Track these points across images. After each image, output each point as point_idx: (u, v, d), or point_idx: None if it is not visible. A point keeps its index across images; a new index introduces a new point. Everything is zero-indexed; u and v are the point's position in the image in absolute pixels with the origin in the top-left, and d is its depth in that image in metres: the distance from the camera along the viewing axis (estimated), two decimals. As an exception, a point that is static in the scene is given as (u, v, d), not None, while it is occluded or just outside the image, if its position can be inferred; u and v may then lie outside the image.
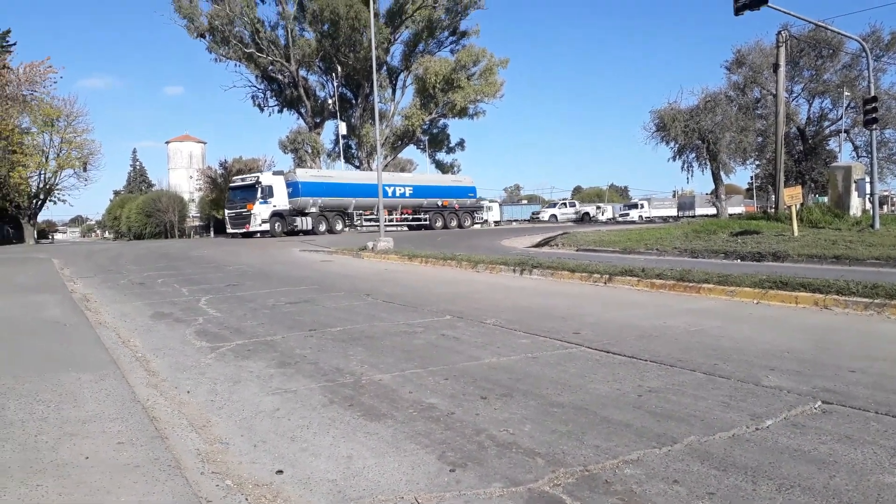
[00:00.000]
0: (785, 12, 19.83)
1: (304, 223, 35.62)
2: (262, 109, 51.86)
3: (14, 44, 50.04)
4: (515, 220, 76.28)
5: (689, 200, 76.05)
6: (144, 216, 49.18)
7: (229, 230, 36.15)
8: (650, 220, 64.67)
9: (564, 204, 66.05)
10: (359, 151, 50.67)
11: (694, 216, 61.56)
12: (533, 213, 64.15)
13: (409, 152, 72.35)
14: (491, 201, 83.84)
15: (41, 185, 46.07)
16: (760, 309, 8.37)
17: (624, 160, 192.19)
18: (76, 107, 45.37)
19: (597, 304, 9.11)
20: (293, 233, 35.41)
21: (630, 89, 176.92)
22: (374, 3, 28.62)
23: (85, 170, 45.91)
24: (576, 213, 63.10)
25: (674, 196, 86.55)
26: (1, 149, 40.21)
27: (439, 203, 41.06)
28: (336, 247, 22.80)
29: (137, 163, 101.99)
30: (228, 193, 36.97)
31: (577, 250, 20.40)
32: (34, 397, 4.72)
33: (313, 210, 35.99)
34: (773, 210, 26.68)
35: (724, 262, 14.60)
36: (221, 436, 4.01)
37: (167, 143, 76.16)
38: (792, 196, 19.35)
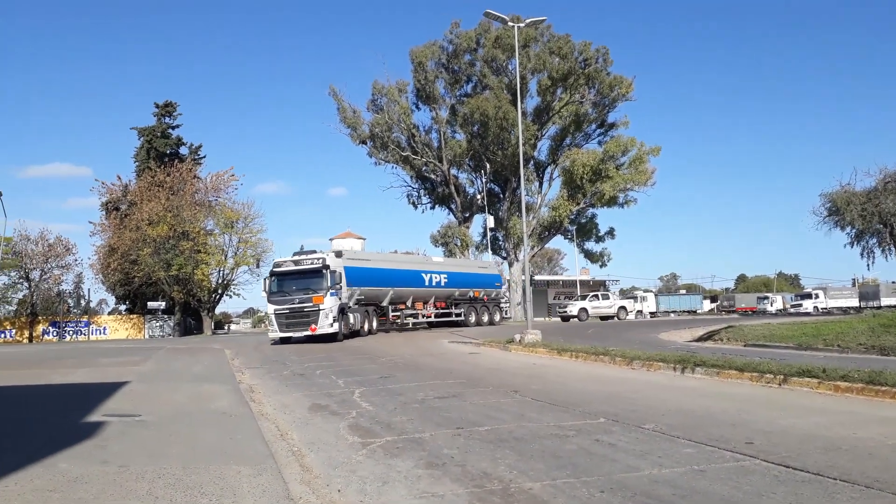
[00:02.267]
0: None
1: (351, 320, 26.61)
2: (415, 207, 54.54)
3: (204, 157, 57.14)
4: (674, 312, 72.73)
5: (873, 289, 68.56)
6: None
7: (277, 333, 25.24)
8: (827, 312, 58.90)
9: (597, 296, 47.73)
10: (506, 243, 51.30)
11: (879, 307, 55.21)
12: (560, 308, 48.65)
13: (557, 242, 72.13)
14: (646, 291, 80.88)
15: (220, 281, 50.87)
16: (978, 420, 7.12)
17: (793, 246, 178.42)
18: (253, 209, 50.17)
19: (771, 410, 8.21)
20: (354, 333, 26.81)
21: (796, 170, 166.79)
22: (521, 102, 29.62)
23: (258, 266, 50.24)
24: (610, 306, 47.15)
25: (854, 285, 78.63)
26: (188, 249, 45.15)
27: (471, 294, 34.96)
28: (484, 338, 22.83)
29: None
30: (272, 281, 25.98)
31: (744, 345, 18.89)
32: (199, 490, 4.95)
33: (353, 303, 27.12)
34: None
35: (922, 362, 12.79)
36: (368, 542, 3.93)
37: (330, 239, 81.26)
38: None
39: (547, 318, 54.37)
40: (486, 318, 35.09)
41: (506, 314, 41.73)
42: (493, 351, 19.75)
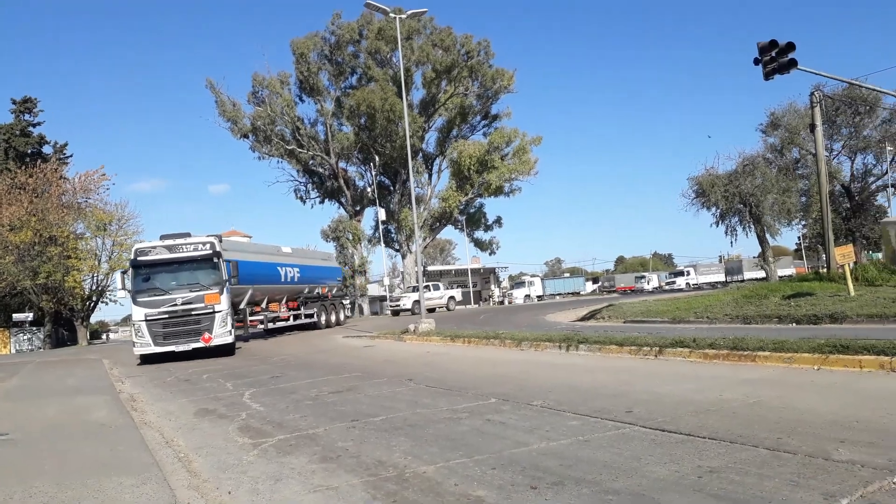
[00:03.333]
0: (816, 73, 19.83)
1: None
2: (304, 202, 53.37)
3: (70, 156, 53.15)
4: (559, 294, 75.58)
5: (737, 265, 74.47)
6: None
7: (151, 347, 17.96)
8: (698, 287, 63.30)
9: (428, 287, 42.60)
10: (398, 235, 51.37)
11: (742, 281, 60.08)
12: (392, 302, 43.38)
13: (448, 232, 73.01)
14: (532, 276, 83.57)
15: (94, 288, 47.66)
16: (822, 375, 7.93)
17: (666, 227, 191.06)
18: (127, 210, 47.24)
19: (648, 380, 8.76)
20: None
21: (666, 157, 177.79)
22: (407, 95, 29.66)
23: (136, 270, 47.51)
24: (440, 297, 44.18)
25: (720, 261, 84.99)
26: (57, 255, 41.94)
27: (319, 290, 29.86)
28: (378, 331, 22.78)
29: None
30: (137, 275, 18.63)
31: (624, 322, 19.94)
32: (75, 505, 4.66)
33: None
34: (824, 270, 25.83)
35: (778, 328, 14.05)
36: (261, 540, 3.86)
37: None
38: (844, 255, 18.72)
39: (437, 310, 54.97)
40: (333, 318, 30.85)
41: (349, 313, 37.27)
42: (387, 343, 19.76)
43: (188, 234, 19.31)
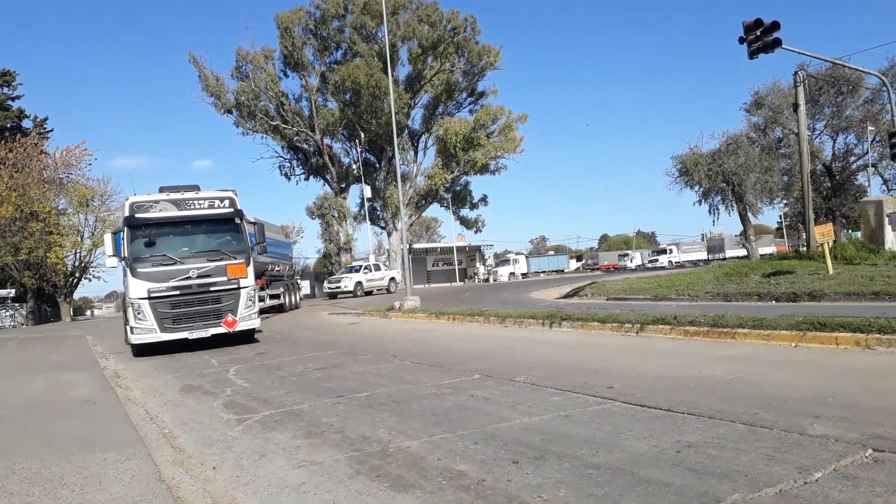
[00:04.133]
0: (800, 52, 19.93)
1: None
2: (288, 178, 52.88)
3: (52, 130, 52.37)
4: (543, 272, 75.95)
5: (719, 243, 75.15)
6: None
7: (156, 334, 13.61)
8: (680, 265, 63.87)
9: (369, 268, 40.34)
10: (384, 213, 51.22)
11: (724, 259, 60.66)
12: (330, 284, 39.18)
13: (433, 210, 73.01)
14: (517, 254, 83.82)
15: (77, 264, 47.23)
16: (799, 352, 8.08)
17: (649, 206, 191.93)
18: (110, 186, 46.78)
19: (630, 356, 8.88)
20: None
21: (651, 135, 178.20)
22: (393, 71, 29.40)
23: (119, 246, 47.05)
24: (381, 278, 40.02)
25: (703, 239, 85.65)
26: (39, 231, 41.45)
27: (279, 268, 26.82)
28: (364, 308, 22.82)
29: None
30: (136, 237, 13.90)
31: (607, 300, 20.12)
32: (59, 482, 4.67)
33: None
34: (804, 249, 26.15)
35: (758, 305, 14.24)
36: (246, 514, 3.90)
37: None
38: (823, 234, 18.96)
39: (427, 286, 55.14)
40: (293, 300, 28.32)
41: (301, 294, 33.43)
42: (373, 319, 19.82)
43: (197, 187, 14.95)
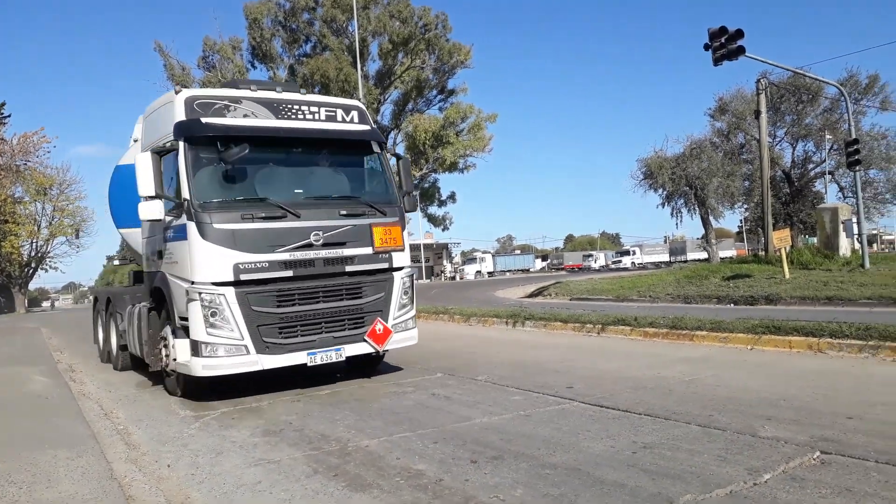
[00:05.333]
0: (763, 61, 20.31)
1: None
2: (255, 172, 52.21)
3: (9, 116, 50.73)
4: (510, 271, 76.37)
5: (681, 245, 76.49)
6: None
7: (229, 354, 6.76)
8: (643, 267, 64.84)
9: None
10: (352, 209, 50.91)
11: (686, 261, 61.77)
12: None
13: (401, 208, 72.50)
14: (484, 252, 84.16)
15: (33, 254, 46.00)
16: (755, 355, 8.26)
17: (615, 208, 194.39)
18: (69, 175, 45.71)
19: (590, 356, 8.98)
20: None
21: (618, 138, 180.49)
22: (363, 65, 29.25)
23: (77, 237, 45.90)
24: None
25: (665, 241, 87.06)
26: (-8, 219, 40.33)
27: None
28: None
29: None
30: (200, 161, 7.12)
31: (570, 299, 20.32)
32: (6, 479, 4.54)
33: None
34: (763, 253, 26.76)
35: (717, 308, 14.53)
36: (199, 513, 3.84)
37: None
38: (781, 239, 19.43)
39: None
40: None
41: None
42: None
43: (295, 85, 8.99)
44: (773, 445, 4.46)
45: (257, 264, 6.92)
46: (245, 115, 7.43)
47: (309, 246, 7.19)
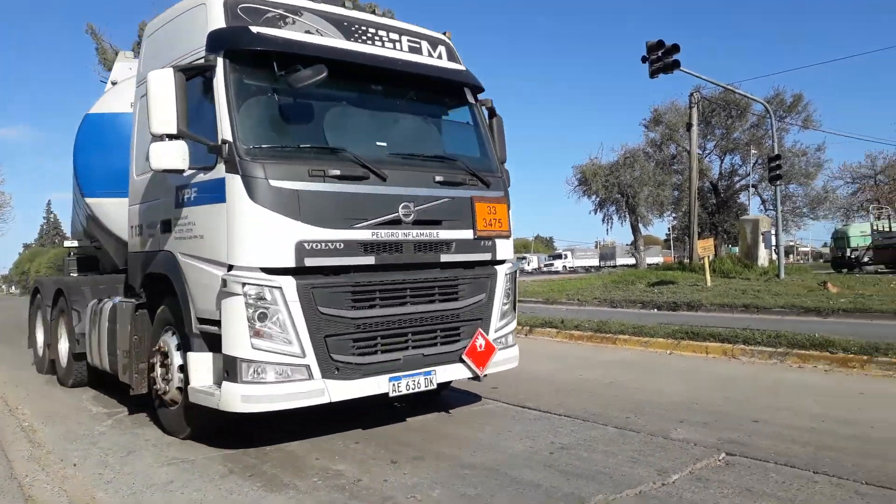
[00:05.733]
0: (696, 76, 21.04)
1: None
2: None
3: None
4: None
5: (611, 251, 78.49)
6: (55, 271, 46.63)
7: (293, 378, 4.61)
8: (574, 270, 66.20)
9: None
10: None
11: (615, 266, 63.41)
12: None
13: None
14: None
15: (-59, 238, 43.34)
16: (673, 360, 8.57)
17: (549, 212, 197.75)
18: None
19: (517, 358, 9.09)
20: None
21: (554, 144, 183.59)
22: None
23: (-7, 223, 43.51)
24: None
25: (596, 247, 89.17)
26: None
27: None
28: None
29: (52, 215, 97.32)
30: (252, 90, 5.02)
31: (502, 302, 20.51)
32: None
33: None
34: (688, 261, 27.79)
35: (641, 312, 14.96)
36: (104, 514, 3.70)
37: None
38: (704, 248, 20.20)
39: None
40: None
41: None
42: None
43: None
44: (683, 447, 4.63)
45: (330, 245, 4.78)
46: (307, 32, 5.24)
47: (397, 222, 5.12)
